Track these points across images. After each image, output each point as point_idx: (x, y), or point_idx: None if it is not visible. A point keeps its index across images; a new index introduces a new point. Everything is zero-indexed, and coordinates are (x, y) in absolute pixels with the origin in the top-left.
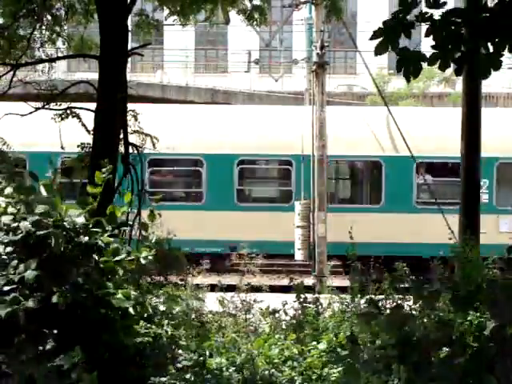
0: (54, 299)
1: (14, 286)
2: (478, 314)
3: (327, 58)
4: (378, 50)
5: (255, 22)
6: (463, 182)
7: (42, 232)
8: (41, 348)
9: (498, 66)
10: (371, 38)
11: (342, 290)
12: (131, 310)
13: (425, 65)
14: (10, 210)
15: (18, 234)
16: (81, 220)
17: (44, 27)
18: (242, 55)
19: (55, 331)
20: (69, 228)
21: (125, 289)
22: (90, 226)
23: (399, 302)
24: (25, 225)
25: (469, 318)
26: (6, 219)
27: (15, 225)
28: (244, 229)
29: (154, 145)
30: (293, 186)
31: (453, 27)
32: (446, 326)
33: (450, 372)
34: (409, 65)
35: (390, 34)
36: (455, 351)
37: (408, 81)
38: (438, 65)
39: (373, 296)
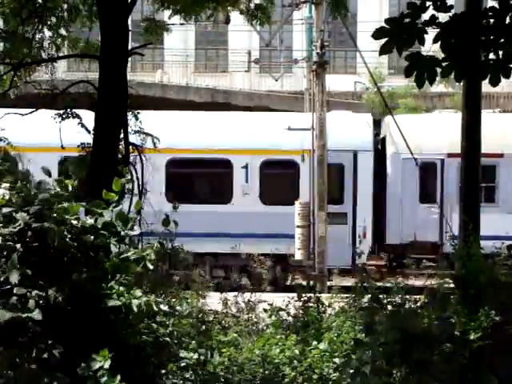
0: (51, 297)
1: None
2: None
3: (327, 58)
4: (383, 51)
5: (258, 21)
6: (463, 182)
7: (37, 224)
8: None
9: (508, 73)
10: (374, 37)
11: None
12: (135, 308)
13: None
14: (13, 200)
15: (16, 227)
16: (90, 221)
17: (47, 28)
18: (242, 55)
19: (58, 331)
20: (75, 226)
21: (129, 288)
22: (100, 226)
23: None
24: (22, 215)
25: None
26: (6, 210)
27: (15, 215)
28: None
29: (154, 144)
30: None
31: (461, 33)
32: (447, 324)
33: (451, 369)
34: (423, 70)
35: (395, 36)
36: (456, 348)
37: (420, 87)
38: (454, 75)
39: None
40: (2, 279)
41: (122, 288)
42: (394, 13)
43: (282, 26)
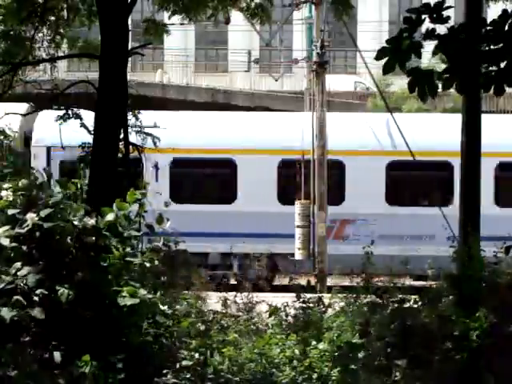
0: (63, 296)
1: (15, 286)
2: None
3: (327, 58)
4: (386, 70)
5: (259, 20)
6: (463, 182)
7: (49, 224)
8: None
9: (511, 82)
10: (376, 58)
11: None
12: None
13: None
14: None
15: (24, 228)
16: (91, 222)
17: (47, 28)
18: (242, 55)
19: (60, 331)
20: (78, 227)
21: (133, 288)
22: (102, 227)
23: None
24: (31, 216)
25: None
26: (12, 211)
27: (22, 217)
28: None
29: (155, 144)
30: None
31: (461, 44)
32: (447, 322)
33: (450, 368)
34: (423, 85)
35: (396, 54)
36: (456, 346)
37: (424, 101)
38: (455, 87)
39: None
40: (18, 281)
41: (127, 288)
42: (394, 13)
43: (281, 26)
